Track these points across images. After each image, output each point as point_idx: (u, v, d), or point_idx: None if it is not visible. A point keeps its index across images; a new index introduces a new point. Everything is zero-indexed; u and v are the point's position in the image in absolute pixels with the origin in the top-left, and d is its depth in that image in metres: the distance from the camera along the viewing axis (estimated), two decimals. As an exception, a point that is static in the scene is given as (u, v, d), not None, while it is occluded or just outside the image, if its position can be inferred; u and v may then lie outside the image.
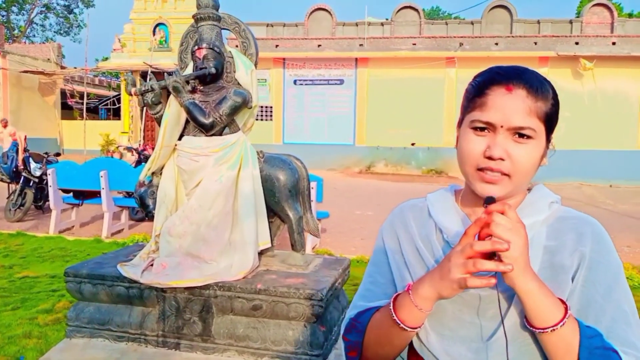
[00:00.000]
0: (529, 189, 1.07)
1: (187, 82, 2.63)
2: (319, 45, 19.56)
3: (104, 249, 6.01)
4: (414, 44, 19.06)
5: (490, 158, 0.94)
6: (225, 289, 2.39)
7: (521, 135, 0.95)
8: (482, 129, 0.97)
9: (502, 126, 0.94)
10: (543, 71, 18.17)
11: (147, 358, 2.39)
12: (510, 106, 0.94)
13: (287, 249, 2.87)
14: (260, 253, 2.73)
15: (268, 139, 19.39)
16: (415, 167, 18.91)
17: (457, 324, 0.99)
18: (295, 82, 19.87)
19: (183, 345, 2.42)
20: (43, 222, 7.86)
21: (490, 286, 0.85)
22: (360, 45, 19.36)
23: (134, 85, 2.67)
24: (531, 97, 0.95)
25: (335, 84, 19.62)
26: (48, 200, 7.59)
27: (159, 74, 18.31)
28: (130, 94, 2.65)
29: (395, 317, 0.97)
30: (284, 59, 19.56)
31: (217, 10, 2.76)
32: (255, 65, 2.85)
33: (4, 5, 36.16)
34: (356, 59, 19.30)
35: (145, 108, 2.73)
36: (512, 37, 18.39)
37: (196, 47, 2.67)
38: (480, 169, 0.96)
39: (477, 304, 0.97)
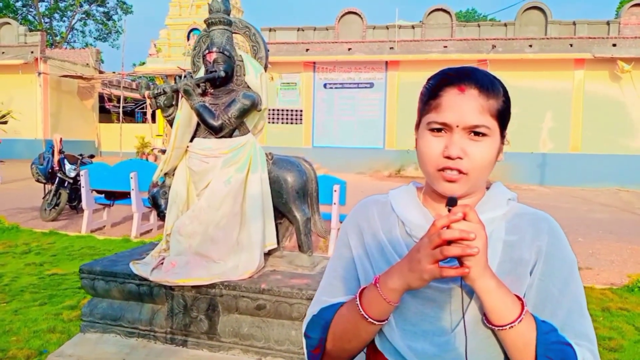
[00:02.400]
0: (488, 187, 1.08)
1: (198, 85, 2.70)
2: (349, 49, 19.57)
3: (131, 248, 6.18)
4: (445, 47, 18.85)
5: (448, 157, 0.96)
6: (230, 288, 2.44)
7: (477, 134, 0.97)
8: (438, 130, 0.99)
9: (457, 126, 0.96)
10: (579, 74, 17.70)
11: (155, 354, 2.46)
12: (464, 106, 0.96)
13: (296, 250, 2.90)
14: (268, 254, 2.76)
15: (297, 142, 19.51)
16: (446, 170, 18.67)
17: (420, 318, 1.00)
18: (325, 85, 19.93)
19: (190, 343, 2.48)
20: (76, 222, 8.13)
21: (464, 274, 0.86)
22: (391, 48, 19.28)
23: (148, 88, 2.76)
24: (483, 95, 0.97)
25: (365, 87, 19.59)
26: (81, 201, 7.86)
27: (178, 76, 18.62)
28: (144, 97, 2.74)
29: (362, 312, 0.97)
30: (314, 62, 19.66)
31: (229, 14, 2.82)
32: (265, 68, 2.89)
33: (47, 12, 37.63)
34: (386, 62, 19.22)
35: (157, 110, 2.81)
36: (547, 39, 17.96)
37: (207, 51, 2.73)
38: (441, 169, 0.98)
39: (440, 299, 0.98)
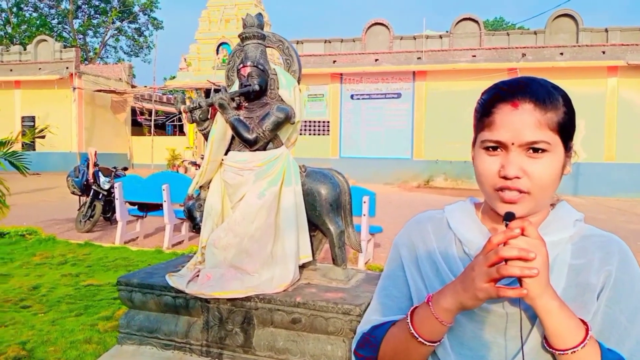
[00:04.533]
0: (553, 205, 1.03)
1: (233, 99, 2.73)
2: (376, 60, 19.59)
3: (164, 259, 6.26)
4: (474, 56, 18.69)
5: (505, 177, 0.92)
6: (265, 301, 2.43)
7: (535, 150, 0.92)
8: (494, 149, 0.95)
9: (513, 143, 0.92)
10: (612, 81, 17.28)
11: (191, 366, 2.47)
12: (518, 122, 0.92)
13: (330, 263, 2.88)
14: (302, 266, 2.75)
15: (325, 153, 19.56)
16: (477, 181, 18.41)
17: (477, 343, 0.96)
18: (352, 96, 19.98)
19: (225, 356, 2.48)
20: (110, 233, 8.30)
21: (522, 296, 0.82)
22: (418, 58, 19.21)
23: (183, 102, 2.80)
24: (539, 109, 0.92)
25: (393, 97, 19.55)
26: (115, 212, 8.02)
27: (219, 91, 18.90)
28: (180, 111, 2.78)
29: (413, 331, 0.95)
30: (341, 74, 19.74)
31: (262, 28, 2.85)
32: (299, 81, 2.90)
33: (81, 29, 38.86)
34: (414, 72, 19.17)
35: (192, 123, 2.85)
36: (578, 46, 17.63)
37: (241, 65, 2.76)
38: (499, 189, 0.94)
39: (499, 323, 0.94)
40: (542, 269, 0.81)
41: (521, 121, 0.91)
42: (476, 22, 19.04)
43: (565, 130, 0.94)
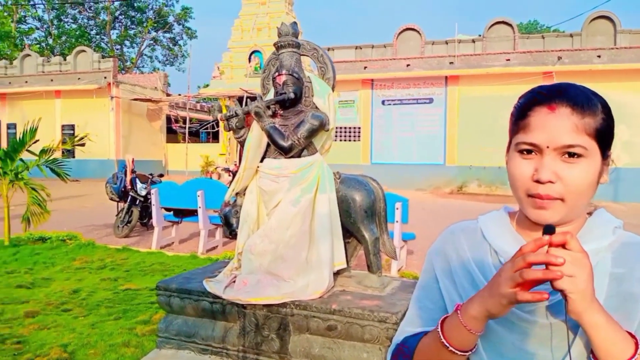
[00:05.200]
0: (590, 213, 1.00)
1: (268, 107, 2.77)
2: (408, 65, 19.48)
3: (198, 264, 6.36)
4: (508, 60, 18.39)
5: (538, 181, 0.90)
6: (301, 308, 2.45)
7: (571, 155, 0.90)
8: (528, 152, 0.93)
9: (548, 147, 0.90)
10: (654, 83, 16.71)
11: (228, 371, 2.50)
12: (554, 125, 0.90)
13: (365, 270, 2.87)
14: (337, 273, 2.76)
15: (356, 159, 19.53)
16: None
17: (518, 354, 0.94)
18: (383, 102, 19.91)
19: (261, 361, 2.51)
20: (146, 238, 8.48)
21: (542, 300, 0.80)
22: (451, 63, 19.02)
23: (220, 111, 2.86)
24: (577, 114, 0.90)
25: (425, 103, 19.39)
26: (151, 218, 8.20)
27: (253, 99, 19.18)
28: (216, 119, 2.84)
29: (443, 340, 0.93)
30: (372, 80, 19.71)
31: (297, 37, 2.88)
32: (333, 88, 2.92)
33: (118, 39, 40.02)
34: (446, 77, 18.98)
35: (229, 131, 2.91)
36: (617, 49, 17.14)
37: (277, 74, 2.80)
38: (531, 195, 0.92)
39: (542, 334, 0.92)
40: (587, 284, 0.79)
41: (557, 124, 0.90)
42: (510, 25, 18.73)
43: (603, 137, 0.92)
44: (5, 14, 33.71)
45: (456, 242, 1.08)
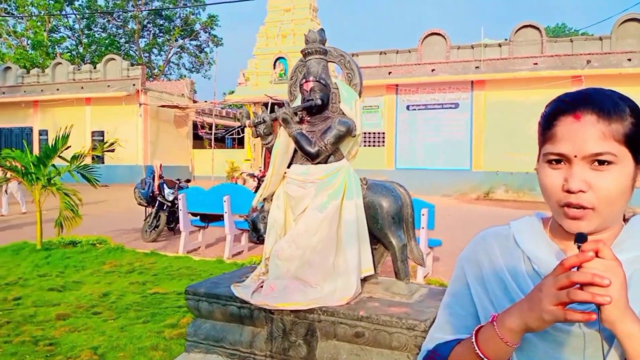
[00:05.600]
0: (626, 219, 0.98)
1: (295, 114, 2.78)
2: (433, 70, 19.36)
3: (225, 269, 6.42)
4: (535, 64, 18.10)
5: (569, 192, 0.89)
6: (328, 314, 2.44)
7: (600, 163, 0.88)
8: (557, 162, 0.92)
9: (575, 156, 0.89)
10: (689, 86, 16.23)
11: (255, 376, 2.51)
12: (580, 134, 0.89)
13: (392, 276, 2.86)
14: (364, 280, 2.75)
15: (380, 165, 19.46)
16: (539, 193, 17.63)
17: None
18: (408, 107, 19.81)
19: (289, 367, 2.51)
20: (173, 243, 8.60)
21: (591, 321, 0.79)
22: (477, 67, 18.83)
23: (248, 117, 2.89)
24: (603, 120, 0.88)
25: (450, 108, 19.22)
26: (178, 223, 8.32)
27: (279, 105, 19.33)
28: (245, 126, 2.87)
29: (478, 351, 0.92)
30: (396, 85, 19.65)
31: (324, 44, 2.90)
32: (360, 94, 2.92)
33: (146, 47, 40.84)
34: (472, 82, 18.79)
35: (257, 138, 2.94)
36: (649, 51, 16.71)
37: (304, 80, 2.82)
38: (564, 205, 0.91)
39: (576, 343, 0.91)
40: (620, 293, 0.78)
41: (584, 133, 0.88)
42: (537, 29, 18.46)
43: (634, 141, 0.89)
44: (38, 23, 34.75)
45: (488, 249, 1.06)
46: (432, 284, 5.47)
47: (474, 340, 0.94)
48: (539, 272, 0.97)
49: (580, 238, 0.82)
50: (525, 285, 0.97)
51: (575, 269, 0.79)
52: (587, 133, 0.88)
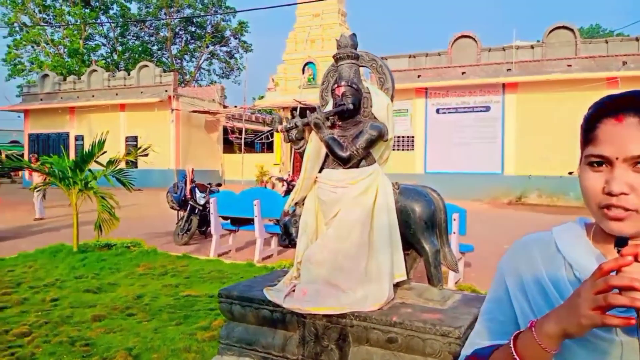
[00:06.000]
0: None
1: (327, 119, 2.79)
2: (463, 73, 19.14)
3: (255, 272, 6.46)
4: (569, 66, 17.70)
5: (610, 194, 0.88)
6: (361, 319, 2.44)
7: None
8: (599, 164, 0.91)
9: (617, 158, 0.88)
10: None
11: (287, 380, 2.53)
12: (623, 136, 0.88)
13: (424, 282, 2.83)
14: (396, 285, 2.73)
15: (410, 169, 19.31)
16: (574, 198, 17.26)
17: None
18: (437, 110, 19.63)
19: (321, 372, 2.51)
20: (204, 246, 8.72)
21: (630, 325, 0.77)
22: (508, 70, 18.53)
23: (280, 122, 2.91)
24: None
25: (481, 111, 18.95)
26: (209, 226, 8.43)
27: (307, 110, 19.47)
28: (277, 131, 2.89)
29: (516, 357, 0.91)
30: (426, 88, 19.49)
31: (356, 48, 2.90)
32: (392, 99, 2.92)
33: (178, 54, 41.64)
34: (503, 85, 18.49)
35: (289, 143, 2.96)
36: (689, 51, 16.14)
37: (336, 85, 2.83)
38: (604, 207, 0.90)
39: (614, 352, 0.89)
40: None
41: (626, 135, 0.88)
42: (571, 30, 18.04)
43: None
44: (75, 32, 35.84)
45: (529, 255, 1.05)
46: (464, 290, 5.38)
47: (512, 346, 0.93)
48: (580, 278, 0.96)
49: (621, 242, 0.82)
50: (566, 291, 0.96)
51: (614, 273, 0.78)
52: (628, 136, 0.87)
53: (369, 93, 2.88)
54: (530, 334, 0.89)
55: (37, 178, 12.71)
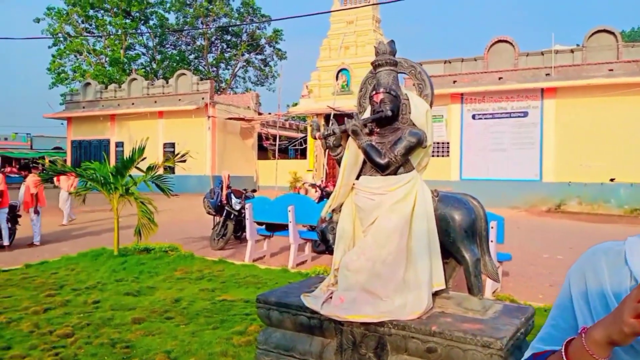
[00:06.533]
0: None
1: (365, 125, 2.79)
2: (500, 78, 18.81)
3: (289, 278, 6.49)
4: (611, 70, 17.17)
5: None
6: (399, 328, 2.41)
7: None
8: None
9: None
10: None
11: (324, 388, 2.52)
12: None
13: (463, 291, 2.78)
14: (435, 294, 2.69)
15: (445, 176, 19.05)
16: (616, 205, 16.69)
17: None
18: (473, 116, 19.33)
19: (358, 380, 2.49)
20: (240, 251, 8.81)
21: None
22: (547, 74, 18.11)
23: (319, 130, 2.93)
24: None
25: (519, 116, 18.56)
26: (244, 232, 8.51)
27: (340, 116, 19.50)
28: (315, 138, 2.90)
29: None
30: (461, 94, 19.24)
31: (394, 55, 2.89)
32: (431, 105, 2.89)
33: (214, 62, 42.40)
34: (542, 90, 18.07)
35: (327, 150, 2.97)
36: None
37: (374, 92, 2.82)
38: None
39: None
40: None
41: None
42: (612, 33, 17.51)
43: None
44: (116, 42, 36.98)
45: (595, 264, 1.04)
46: (502, 299, 5.27)
47: (563, 352, 0.93)
48: None
49: None
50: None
51: None
52: None
53: (408, 99, 2.87)
54: (580, 341, 0.90)
55: (63, 183, 13.05)
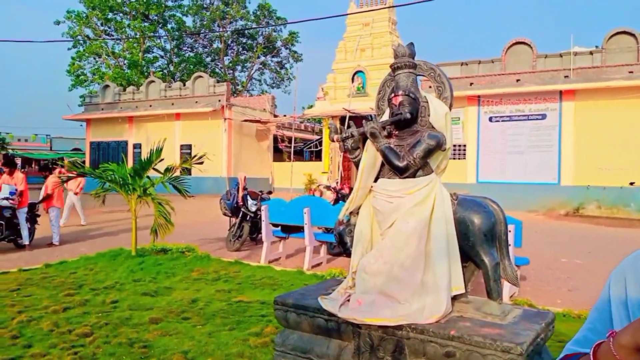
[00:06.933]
0: None
1: (384, 128, 2.78)
2: (518, 80, 18.64)
3: (305, 280, 6.50)
4: (631, 72, 16.92)
5: None
6: (417, 332, 2.40)
7: None
8: None
9: None
10: None
11: (342, 390, 2.51)
12: None
13: (482, 296, 2.76)
14: (454, 298, 2.67)
15: (461, 178, 18.93)
16: (636, 209, 16.41)
17: None
18: (490, 119, 19.18)
19: (376, 383, 2.48)
20: (255, 253, 8.84)
21: None
22: (566, 77, 17.90)
23: (337, 132, 2.92)
24: None
25: (537, 119, 18.37)
26: (260, 233, 8.54)
27: (356, 118, 19.48)
28: (333, 140, 2.91)
29: None
30: (478, 96, 19.11)
31: (413, 58, 2.88)
32: (450, 108, 2.87)
33: (230, 65, 42.69)
34: (560, 92, 17.87)
35: (344, 152, 2.96)
36: None
37: (393, 95, 2.81)
38: None
39: None
40: None
41: None
42: (632, 35, 17.25)
43: None
44: (134, 44, 37.43)
45: (637, 268, 1.03)
46: (520, 304, 5.21)
47: (591, 355, 0.92)
48: None
49: None
50: None
51: None
52: None
53: (427, 102, 2.85)
54: (608, 345, 0.89)
55: (71, 184, 13.15)
